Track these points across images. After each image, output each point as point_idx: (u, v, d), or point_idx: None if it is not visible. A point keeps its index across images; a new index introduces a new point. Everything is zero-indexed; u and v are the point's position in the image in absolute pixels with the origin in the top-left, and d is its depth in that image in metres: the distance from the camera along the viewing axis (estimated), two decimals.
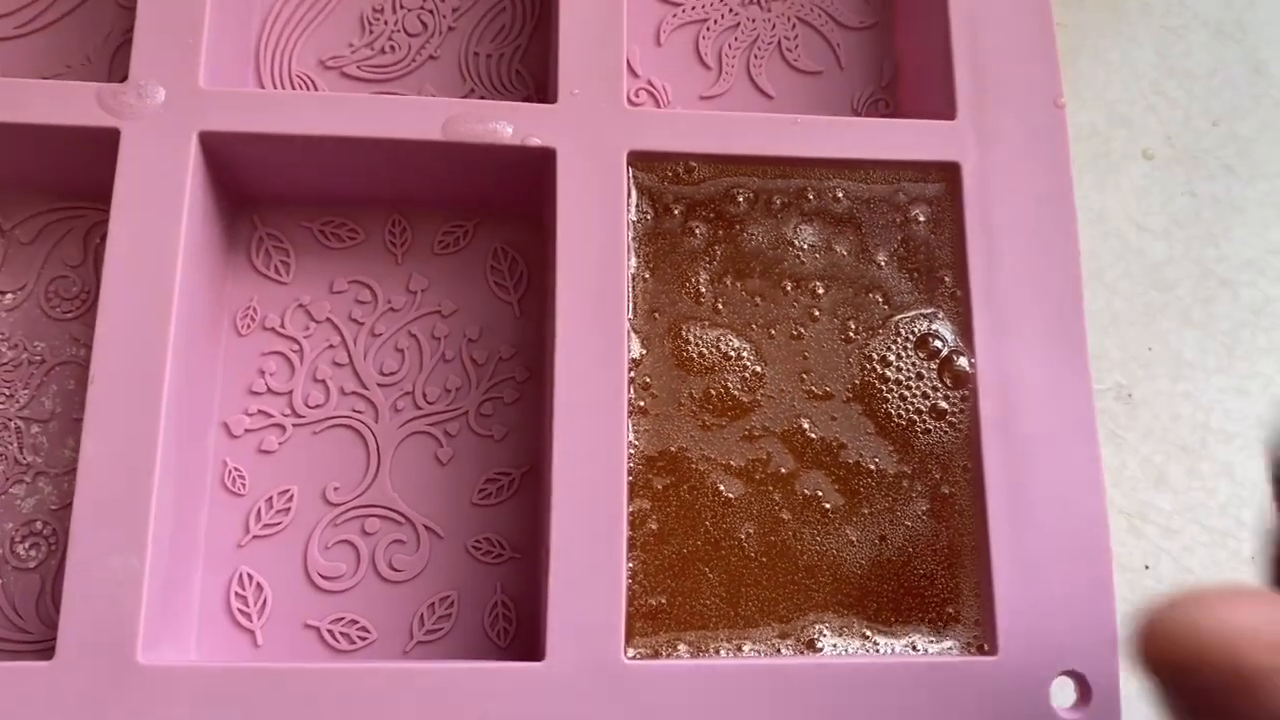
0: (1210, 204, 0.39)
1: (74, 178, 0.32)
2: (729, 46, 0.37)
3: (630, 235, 0.31)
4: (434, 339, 0.33)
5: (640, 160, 0.31)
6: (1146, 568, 0.35)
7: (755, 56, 0.37)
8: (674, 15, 0.37)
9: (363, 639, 0.31)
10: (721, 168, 0.32)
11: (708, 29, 0.37)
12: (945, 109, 0.33)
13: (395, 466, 0.32)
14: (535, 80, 0.36)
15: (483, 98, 0.35)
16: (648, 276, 0.31)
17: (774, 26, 0.37)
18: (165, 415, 0.28)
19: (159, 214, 0.29)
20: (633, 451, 0.30)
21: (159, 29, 0.31)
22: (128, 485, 0.28)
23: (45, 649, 0.30)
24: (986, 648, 0.29)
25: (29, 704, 0.26)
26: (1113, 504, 0.35)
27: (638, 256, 0.31)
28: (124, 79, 0.31)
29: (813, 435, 0.31)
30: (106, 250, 0.29)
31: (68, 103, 0.30)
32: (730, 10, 0.37)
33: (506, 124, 0.31)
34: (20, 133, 0.30)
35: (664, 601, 0.29)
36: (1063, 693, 0.29)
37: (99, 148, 0.30)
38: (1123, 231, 0.39)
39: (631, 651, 0.28)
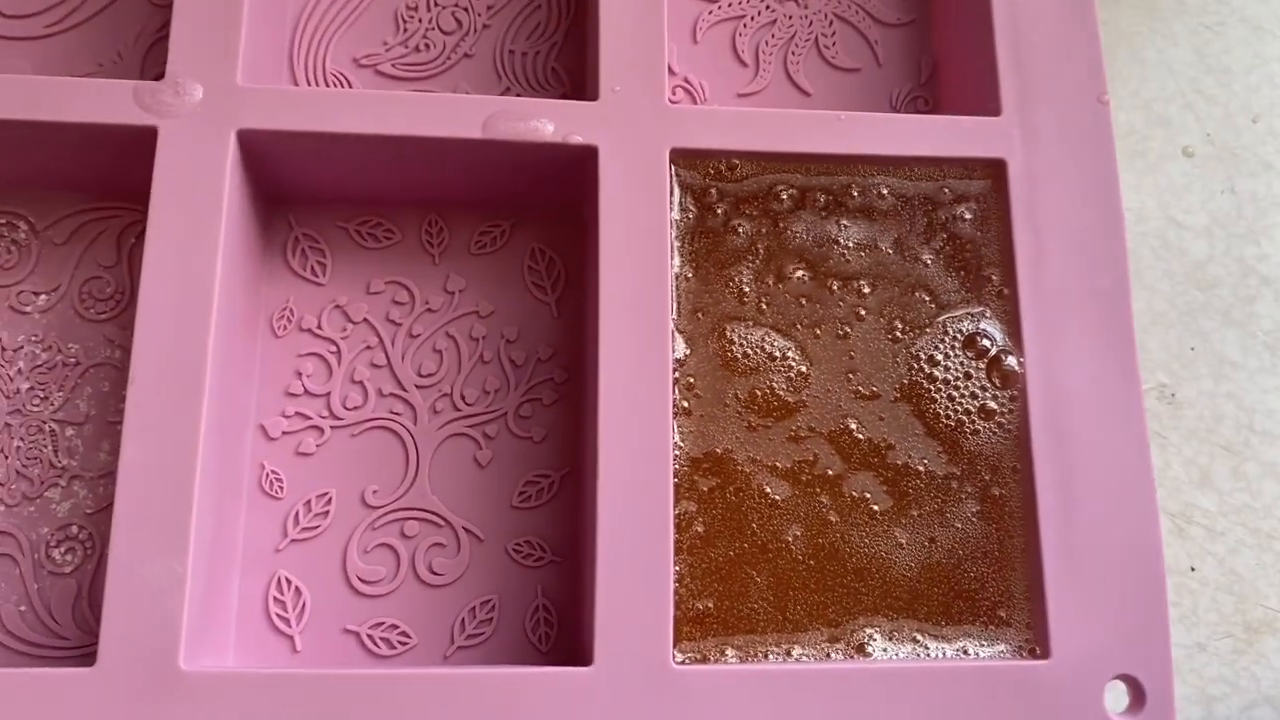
0: (1251, 201, 0.39)
1: (107, 177, 0.32)
2: (766, 44, 0.36)
3: (673, 234, 0.31)
4: (472, 340, 0.33)
5: (683, 157, 0.31)
6: (1192, 569, 0.35)
7: (792, 53, 0.36)
8: (710, 12, 0.36)
9: (403, 644, 0.31)
10: (764, 165, 0.31)
11: (744, 26, 0.36)
12: (989, 106, 0.33)
13: (434, 469, 0.32)
14: (572, 78, 0.35)
15: (518, 95, 0.35)
16: (691, 276, 0.31)
17: (811, 24, 0.37)
18: (206, 418, 0.28)
19: (198, 213, 0.29)
20: (678, 453, 0.29)
21: (196, 26, 0.30)
22: (169, 490, 0.27)
23: (82, 655, 0.30)
24: (1039, 651, 0.29)
25: (72, 710, 0.26)
26: None
27: (681, 255, 0.31)
28: (157, 77, 0.30)
29: (860, 436, 0.30)
30: (145, 251, 0.28)
31: (104, 101, 0.30)
32: (767, 7, 0.37)
33: (547, 122, 0.31)
34: (56, 132, 0.30)
35: (711, 605, 0.29)
36: (1116, 697, 0.28)
37: (134, 146, 0.30)
38: (1162, 230, 0.38)
39: (679, 656, 0.28)
